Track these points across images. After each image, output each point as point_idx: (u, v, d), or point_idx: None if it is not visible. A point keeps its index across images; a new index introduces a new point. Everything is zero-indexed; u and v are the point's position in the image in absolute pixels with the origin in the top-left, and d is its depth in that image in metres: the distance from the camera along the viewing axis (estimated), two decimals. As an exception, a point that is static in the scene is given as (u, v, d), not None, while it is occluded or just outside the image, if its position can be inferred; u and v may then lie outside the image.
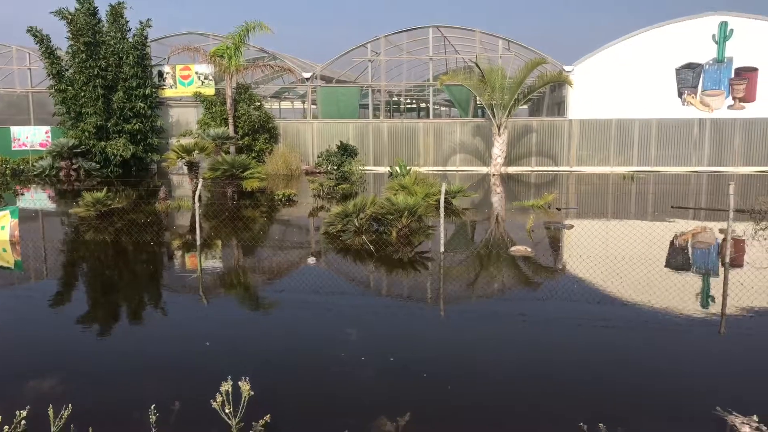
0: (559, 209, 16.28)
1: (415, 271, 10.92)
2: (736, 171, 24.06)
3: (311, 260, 11.90)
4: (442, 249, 11.21)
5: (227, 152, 23.24)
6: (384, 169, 24.57)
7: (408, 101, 45.72)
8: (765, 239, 12.51)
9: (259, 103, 26.31)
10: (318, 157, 23.55)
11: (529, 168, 25.74)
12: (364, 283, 10.39)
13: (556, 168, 25.55)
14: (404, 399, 5.70)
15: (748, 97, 23.76)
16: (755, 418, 5.09)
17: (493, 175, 24.17)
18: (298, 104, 42.15)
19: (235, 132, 24.86)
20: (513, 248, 11.62)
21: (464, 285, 10.08)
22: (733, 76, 23.76)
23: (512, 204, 17.68)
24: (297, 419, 5.40)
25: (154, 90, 25.90)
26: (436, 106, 44.18)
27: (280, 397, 5.81)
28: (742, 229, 13.35)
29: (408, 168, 19.83)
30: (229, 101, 24.79)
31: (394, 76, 30.81)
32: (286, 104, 43.47)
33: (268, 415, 4.99)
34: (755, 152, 24.24)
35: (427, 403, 5.69)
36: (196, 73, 26.59)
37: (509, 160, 25.29)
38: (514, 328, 7.87)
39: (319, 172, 23.32)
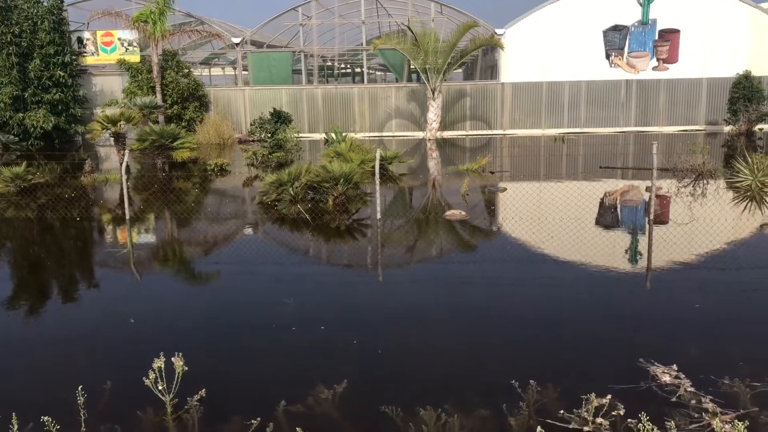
0: (492, 172, 16.53)
1: (352, 238, 10.92)
2: (661, 130, 24.94)
3: (247, 231, 11.72)
4: (378, 215, 11.22)
5: (156, 122, 22.43)
6: (319, 136, 24.31)
7: (342, 66, 45.12)
8: (687, 196, 13.07)
9: (187, 70, 25.41)
10: (251, 125, 22.98)
11: (464, 132, 25.95)
12: (301, 252, 10.32)
13: (490, 131, 25.85)
14: (342, 366, 5.72)
15: (671, 58, 24.53)
16: (675, 367, 5.36)
17: (429, 139, 24.27)
18: (229, 71, 40.94)
19: (164, 101, 23.99)
20: (448, 212, 11.74)
21: (402, 250, 10.16)
22: (657, 38, 24.43)
23: (448, 168, 17.83)
24: (234, 392, 5.35)
25: (74, 57, 24.61)
26: (371, 71, 43.75)
27: (216, 371, 5.73)
28: (667, 186, 13.91)
29: (344, 134, 19.67)
30: (155, 69, 23.85)
31: (327, 40, 30.27)
32: (216, 71, 42.15)
33: (203, 390, 4.92)
34: (678, 112, 25.14)
35: (364, 369, 5.73)
36: (119, 39, 25.41)
37: (444, 125, 25.41)
38: (450, 291, 7.99)
39: (253, 141, 22.83)
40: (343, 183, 12.03)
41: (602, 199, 13.18)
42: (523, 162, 20.18)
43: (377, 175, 11.14)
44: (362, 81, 30.01)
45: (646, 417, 3.69)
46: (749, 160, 13.37)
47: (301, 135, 23.91)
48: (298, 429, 4.39)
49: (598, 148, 21.76)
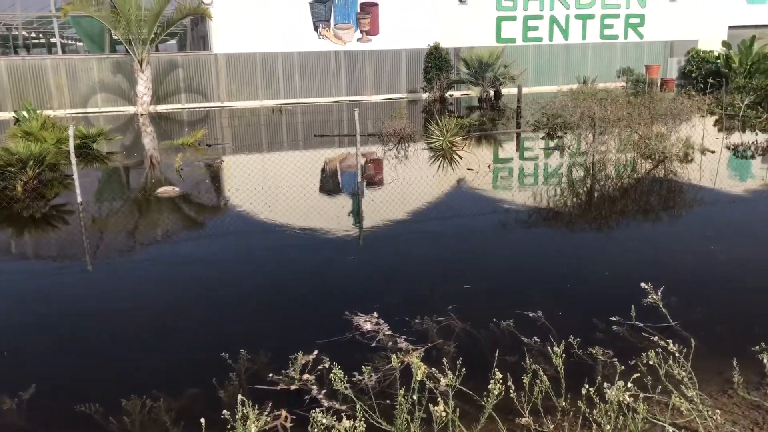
0: (209, 145, 16.12)
1: (51, 227, 9.79)
2: (370, 99, 26.69)
3: None
4: (79, 199, 10.19)
5: None
6: (8, 115, 21.22)
7: (33, 36, 39.84)
8: (392, 158, 14.18)
9: None
10: None
11: (180, 105, 24.85)
12: (-17, 249, 8.93)
13: (207, 104, 25.12)
14: (33, 373, 5.10)
15: (373, 30, 26.24)
16: (375, 314, 5.80)
17: (142, 114, 22.76)
18: None
19: None
20: (161, 189, 11.14)
21: (109, 236, 9.38)
22: (359, 10, 25.89)
23: (163, 144, 16.93)
24: None
25: None
26: (70, 41, 39.43)
27: None
28: (375, 150, 14.95)
29: (38, 112, 17.43)
30: None
31: (7, 5, 26.37)
32: None
33: None
34: (383, 81, 27.10)
35: (60, 372, 5.19)
36: None
37: (158, 98, 24.03)
38: (164, 273, 7.61)
39: None
40: (34, 166, 10.66)
41: (324, 167, 13.73)
42: (242, 133, 20.03)
43: (72, 154, 10.07)
44: (59, 52, 26.88)
45: (338, 366, 3.91)
46: (439, 123, 14.96)
47: (-18, 115, 20.65)
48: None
49: (313, 117, 22.53)
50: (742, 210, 9.91)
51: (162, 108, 24.17)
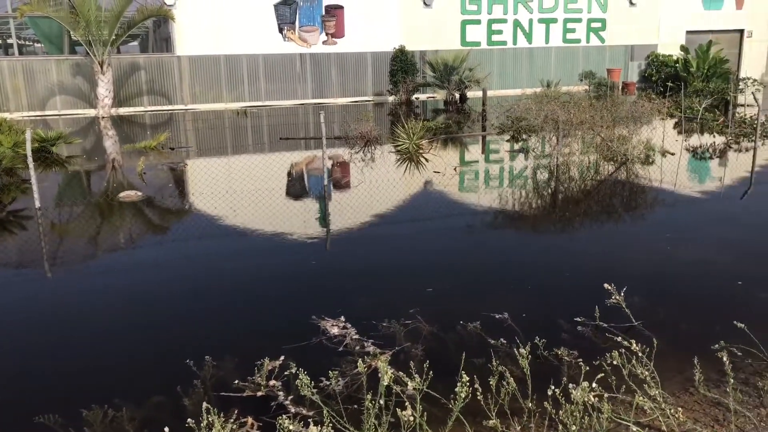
0: (172, 149, 15.88)
1: (8, 232, 9.53)
2: (336, 102, 26.61)
3: None
4: (37, 204, 9.93)
5: None
6: (-38, 118, 20.61)
7: (-11, 36, 38.77)
8: (359, 161, 14.16)
9: None
10: None
11: (143, 108, 24.44)
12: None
13: (171, 107, 24.75)
14: (-12, 381, 4.95)
15: (339, 33, 26.17)
16: (342, 318, 5.77)
17: (103, 117, 22.32)
18: None
19: None
20: (123, 194, 10.93)
21: (69, 241, 9.16)
22: (324, 13, 25.81)
23: (125, 147, 16.62)
24: None
25: None
26: (28, 42, 38.45)
27: None
28: (342, 153, 14.91)
29: (-7, 115, 17.02)
30: None
31: (-38, 5, 25.58)
32: None
33: None
34: (349, 84, 27.05)
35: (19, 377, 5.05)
36: None
37: (119, 101, 23.60)
38: (121, 280, 7.45)
39: None
40: (-11, 170, 10.37)
41: (290, 170, 13.64)
42: (207, 137, 19.80)
43: (30, 158, 9.83)
44: (16, 53, 26.19)
45: (304, 372, 3.87)
46: (406, 126, 14.99)
47: (-65, 117, 19.97)
48: None
49: (279, 119, 22.37)
50: (701, 210, 10.15)
51: (124, 111, 23.74)
